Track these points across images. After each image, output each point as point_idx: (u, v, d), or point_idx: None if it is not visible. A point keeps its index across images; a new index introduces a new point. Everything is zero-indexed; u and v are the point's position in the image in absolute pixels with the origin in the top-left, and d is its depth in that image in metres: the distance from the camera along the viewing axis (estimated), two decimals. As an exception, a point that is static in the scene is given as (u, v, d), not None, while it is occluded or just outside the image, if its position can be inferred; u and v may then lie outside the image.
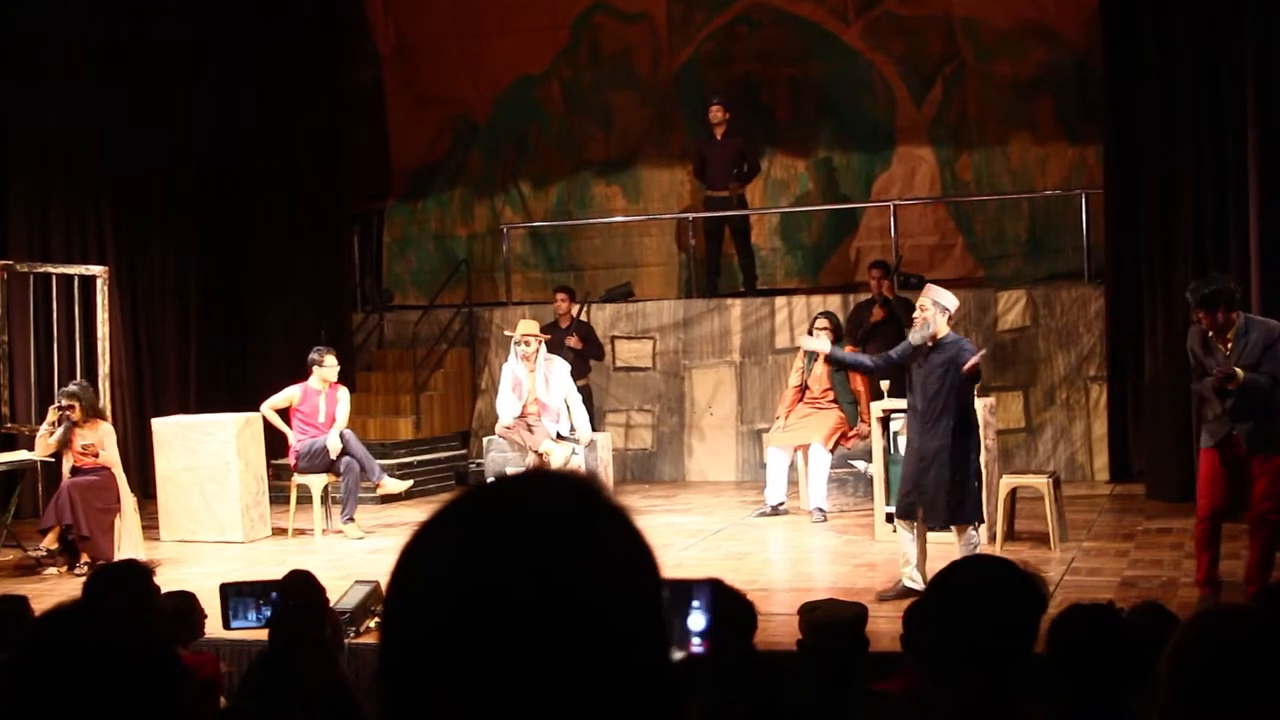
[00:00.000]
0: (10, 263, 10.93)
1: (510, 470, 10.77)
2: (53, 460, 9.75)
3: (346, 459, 10.32)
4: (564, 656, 1.00)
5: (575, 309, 12.47)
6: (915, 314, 7.65)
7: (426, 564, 1.07)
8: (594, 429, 11.33)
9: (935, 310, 7.49)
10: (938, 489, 7.35)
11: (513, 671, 1.00)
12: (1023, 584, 2.50)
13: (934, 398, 7.35)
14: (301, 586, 4.67)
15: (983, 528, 7.82)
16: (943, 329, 7.49)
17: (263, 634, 4.90)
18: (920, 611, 3.80)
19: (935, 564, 8.19)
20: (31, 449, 10.13)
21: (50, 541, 9.26)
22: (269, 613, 4.79)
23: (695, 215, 13.74)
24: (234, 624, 5.15)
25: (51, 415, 9.72)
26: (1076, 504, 10.05)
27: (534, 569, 1.02)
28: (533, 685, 1.00)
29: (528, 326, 10.79)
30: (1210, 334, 7.10)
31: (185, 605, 5.10)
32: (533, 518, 1.06)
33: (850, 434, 10.46)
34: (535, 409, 10.68)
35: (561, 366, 10.84)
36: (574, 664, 1.00)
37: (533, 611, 1.01)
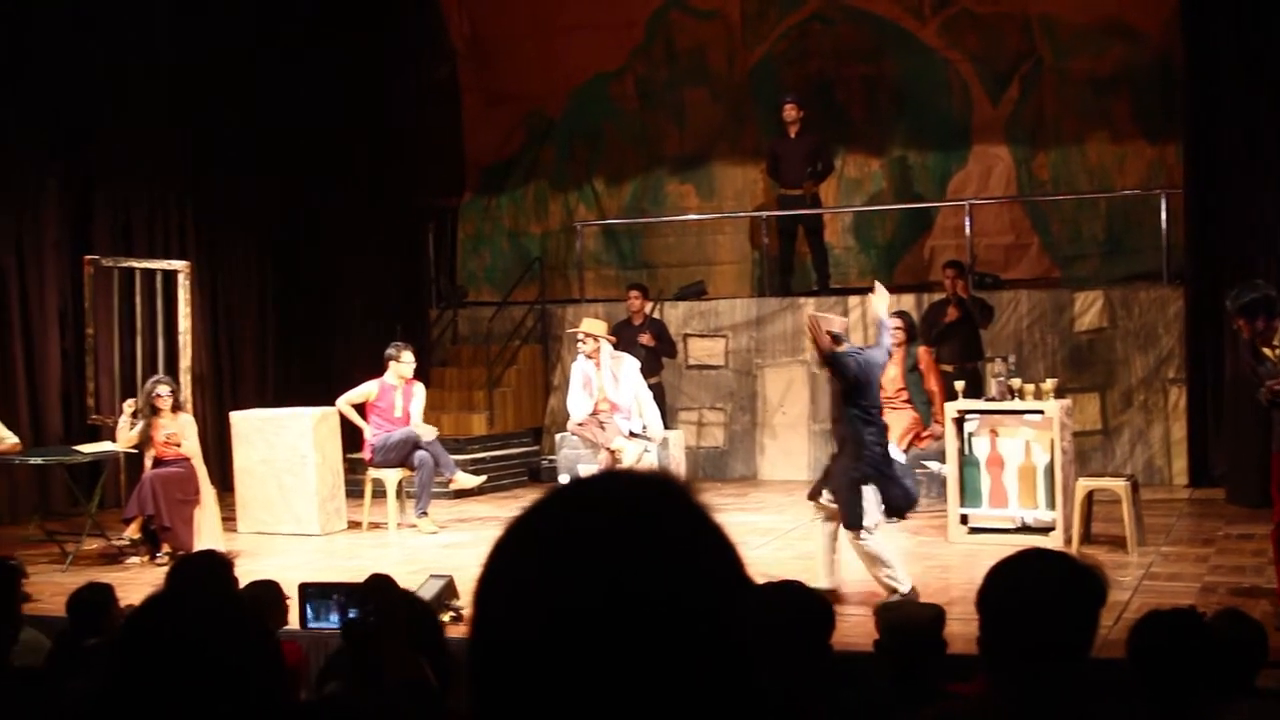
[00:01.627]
0: (96, 258, 11.13)
1: (582, 467, 10.87)
2: (136, 452, 9.93)
3: (421, 453, 10.41)
4: (653, 662, 1.01)
5: (648, 307, 12.50)
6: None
7: (515, 568, 1.07)
8: (666, 427, 11.34)
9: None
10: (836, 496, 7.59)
11: (603, 678, 1.00)
12: (1079, 576, 2.49)
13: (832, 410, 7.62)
14: (382, 590, 4.70)
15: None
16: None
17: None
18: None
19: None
20: (115, 440, 10.33)
21: (133, 531, 9.44)
22: (350, 616, 4.81)
23: (769, 214, 13.72)
24: (312, 624, 5.18)
25: (128, 408, 9.90)
26: (1154, 508, 9.94)
27: (623, 573, 1.02)
28: (622, 691, 1.00)
29: (588, 325, 10.77)
30: (1255, 342, 7.02)
31: (268, 594, 5.18)
32: (622, 521, 1.06)
33: (924, 434, 10.41)
34: (606, 406, 10.71)
35: (631, 364, 10.85)
36: (663, 670, 1.01)
37: (622, 616, 1.01)
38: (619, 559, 1.04)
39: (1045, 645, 2.39)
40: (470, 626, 1.10)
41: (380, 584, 4.74)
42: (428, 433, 10.44)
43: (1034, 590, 2.45)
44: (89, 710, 4.00)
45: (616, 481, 1.12)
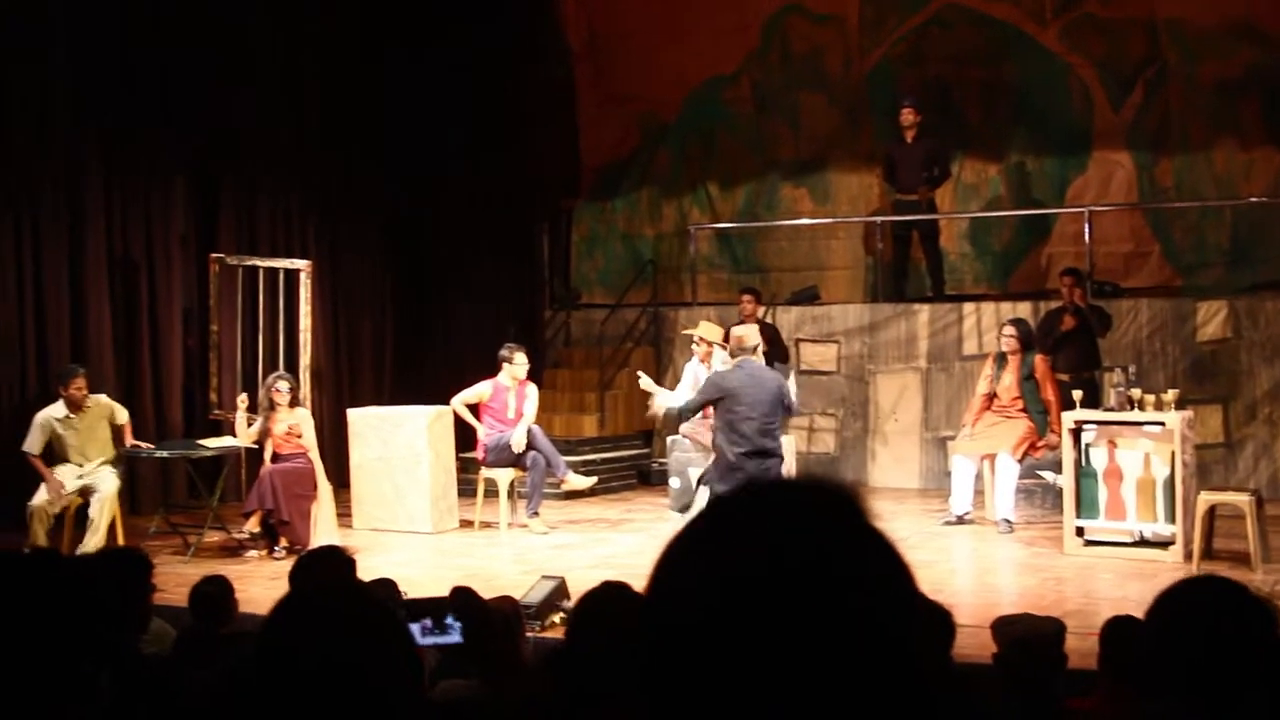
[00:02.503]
0: (221, 256, 11.39)
1: (693, 471, 10.87)
2: (257, 447, 10.14)
3: (533, 454, 10.48)
4: (832, 662, 1.02)
5: (760, 311, 12.48)
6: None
7: (695, 568, 1.08)
8: (777, 431, 11.30)
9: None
10: None
11: (785, 678, 1.02)
12: (1254, 609, 2.43)
13: None
14: (465, 606, 4.66)
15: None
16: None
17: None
18: (1140, 630, 3.72)
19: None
20: (235, 436, 10.56)
21: (253, 525, 9.64)
22: (442, 633, 4.75)
23: (883, 219, 13.61)
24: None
25: (241, 404, 10.11)
26: (1279, 524, 9.70)
27: (804, 580, 1.04)
28: (803, 689, 1.02)
29: (704, 329, 10.80)
30: None
31: (385, 592, 5.26)
32: (800, 525, 1.08)
33: (1039, 444, 10.26)
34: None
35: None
36: (841, 669, 1.02)
37: (803, 617, 1.03)
38: (801, 560, 1.05)
39: (1211, 676, 2.34)
40: (646, 620, 1.11)
41: (464, 598, 4.71)
42: (519, 441, 10.45)
43: (1207, 620, 2.40)
44: (213, 700, 4.10)
45: (792, 487, 1.14)
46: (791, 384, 9.33)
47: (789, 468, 11.15)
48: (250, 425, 9.98)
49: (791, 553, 1.05)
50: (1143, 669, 2.44)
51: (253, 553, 9.63)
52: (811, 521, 1.09)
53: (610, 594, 3.28)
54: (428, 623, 4.51)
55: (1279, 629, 2.41)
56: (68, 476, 9.51)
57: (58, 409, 9.65)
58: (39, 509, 9.36)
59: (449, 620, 4.65)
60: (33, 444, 9.58)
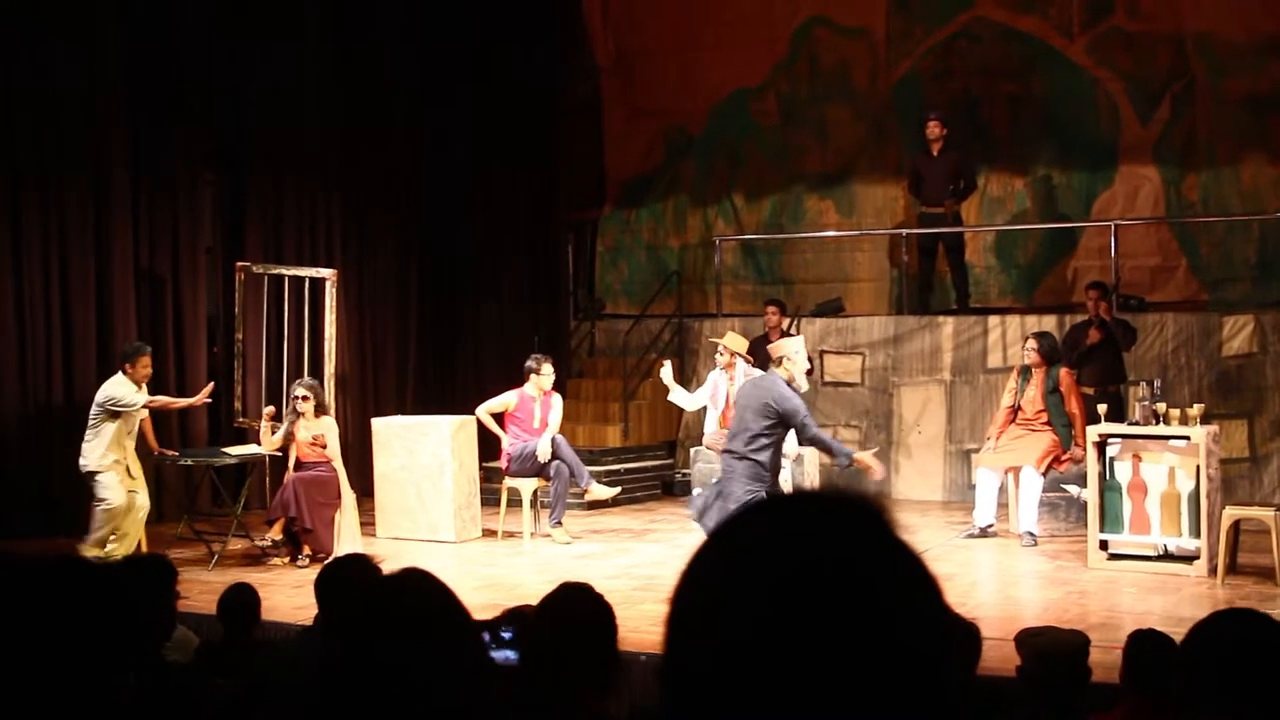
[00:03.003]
0: (247, 264, 11.45)
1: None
2: (281, 454, 10.18)
3: (556, 463, 10.49)
4: (860, 679, 1.02)
5: (785, 322, 12.48)
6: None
7: (721, 583, 1.08)
8: (800, 444, 11.29)
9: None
10: None
11: (813, 694, 1.02)
12: None
13: None
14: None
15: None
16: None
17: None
18: (1163, 645, 3.71)
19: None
20: (260, 444, 10.62)
21: (275, 533, 9.68)
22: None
23: (909, 231, 13.60)
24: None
25: (266, 413, 10.15)
26: (1303, 540, 9.64)
27: (832, 594, 1.03)
28: (831, 704, 1.02)
29: (730, 339, 10.80)
30: None
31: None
32: (827, 538, 1.08)
33: (1064, 457, 10.22)
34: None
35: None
36: (870, 686, 1.02)
37: (831, 632, 1.02)
38: (838, 573, 1.05)
39: (1239, 711, 2.34)
40: (673, 634, 1.10)
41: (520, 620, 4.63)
42: (544, 451, 10.46)
43: (1237, 656, 2.39)
44: (236, 708, 4.12)
45: (817, 493, 1.14)
46: (788, 394, 9.58)
47: (798, 479, 11.11)
48: (274, 434, 10.02)
49: (818, 567, 1.05)
50: (1176, 703, 2.43)
51: (276, 560, 9.66)
52: (838, 535, 1.09)
53: (571, 596, 3.28)
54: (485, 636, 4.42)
55: None
56: (117, 486, 9.46)
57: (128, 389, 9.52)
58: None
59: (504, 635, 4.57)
60: (137, 397, 9.52)
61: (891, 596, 1.06)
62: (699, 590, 1.10)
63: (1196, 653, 2.46)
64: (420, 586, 1.80)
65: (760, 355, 11.24)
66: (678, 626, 1.10)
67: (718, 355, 10.80)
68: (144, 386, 9.62)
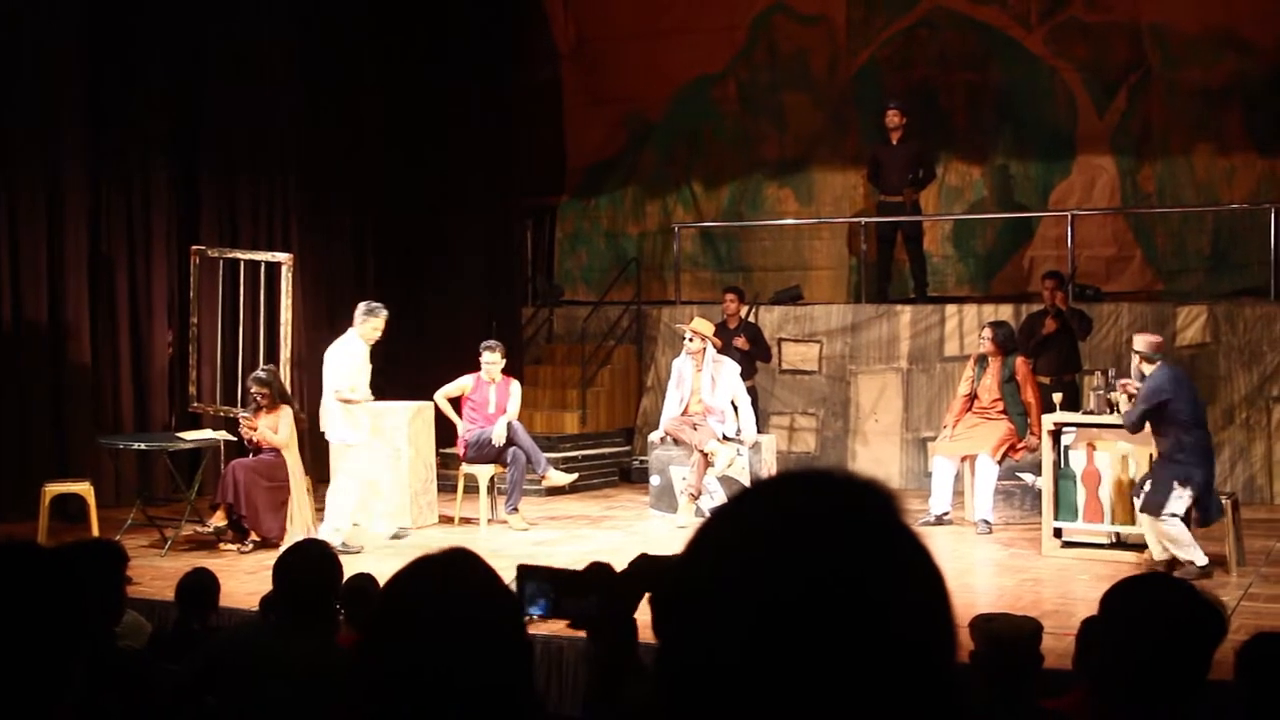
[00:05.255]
0: (202, 248, 11.35)
1: (674, 469, 10.87)
2: (236, 439, 10.10)
3: (513, 449, 10.46)
4: (869, 665, 1.01)
5: (744, 310, 12.49)
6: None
7: (718, 564, 1.05)
8: (758, 431, 11.33)
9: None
10: None
11: (819, 682, 1.00)
12: (1200, 611, 2.44)
13: None
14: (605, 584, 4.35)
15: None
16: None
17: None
18: (1091, 631, 3.73)
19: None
20: (216, 429, 10.53)
21: (219, 519, 9.57)
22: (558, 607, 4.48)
23: (867, 220, 13.63)
24: (529, 610, 4.86)
25: (243, 416, 10.05)
26: (1255, 528, 9.74)
27: (843, 578, 1.02)
28: (836, 694, 1.01)
29: (698, 323, 10.83)
30: None
31: (369, 587, 5.25)
32: (835, 525, 1.05)
33: (1019, 446, 10.28)
34: (700, 409, 10.72)
35: (731, 369, 10.86)
36: (879, 672, 1.01)
37: (842, 621, 1.01)
38: (839, 560, 1.03)
39: (1155, 678, 2.35)
40: (668, 631, 1.08)
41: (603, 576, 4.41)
42: (499, 434, 10.43)
43: (1149, 617, 2.41)
44: (188, 692, 4.09)
45: (820, 483, 1.11)
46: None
47: (756, 468, 11.10)
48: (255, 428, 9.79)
49: (828, 562, 1.03)
50: (1097, 671, 2.45)
51: (230, 547, 9.57)
52: (849, 530, 1.06)
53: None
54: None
55: (1224, 631, 2.42)
56: None
57: None
58: None
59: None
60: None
61: (901, 594, 1.04)
62: (704, 584, 1.06)
63: (1109, 616, 2.48)
64: (465, 568, 1.78)
65: (721, 341, 11.27)
66: (681, 618, 1.07)
67: (687, 341, 10.78)
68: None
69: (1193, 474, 8.21)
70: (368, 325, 9.72)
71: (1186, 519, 8.30)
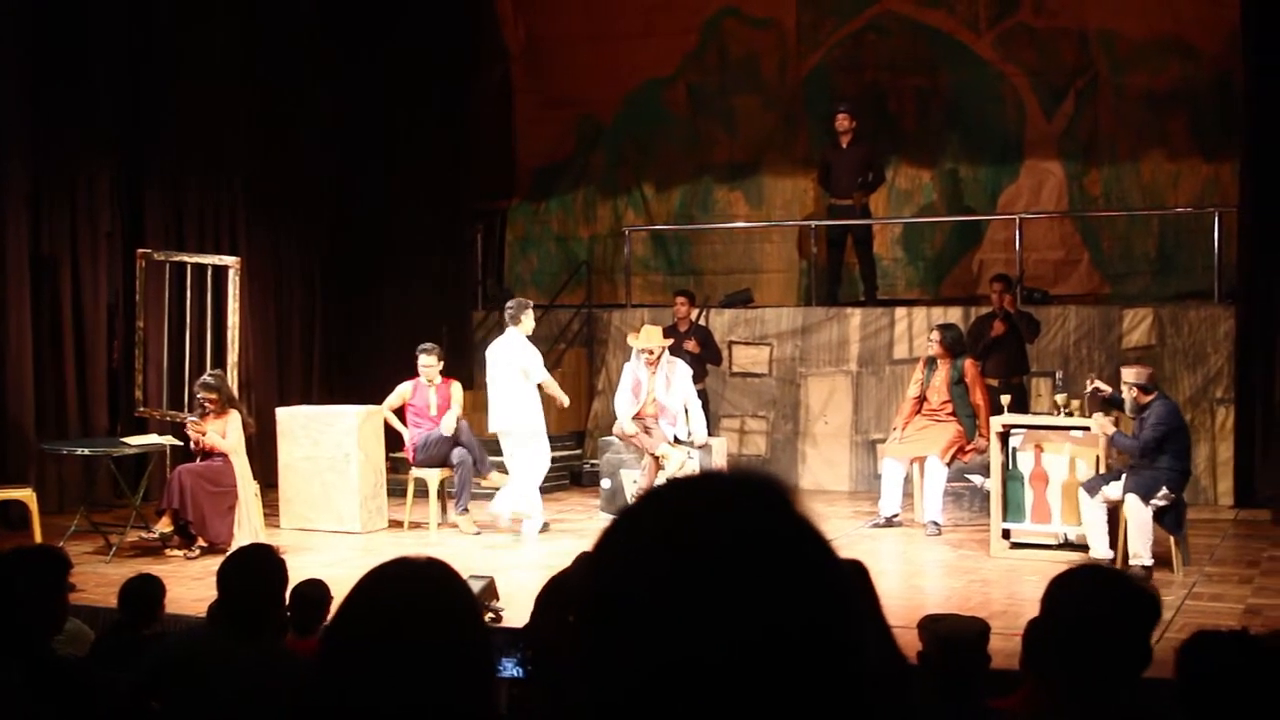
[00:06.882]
0: (148, 251, 11.23)
1: (625, 472, 10.87)
2: (182, 444, 10.00)
3: (460, 450, 10.43)
4: (789, 694, 1.00)
5: (694, 313, 12.50)
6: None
7: (632, 596, 1.03)
8: (708, 433, 11.33)
9: None
10: None
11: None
12: (1134, 596, 2.46)
13: None
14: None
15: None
16: None
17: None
18: (1035, 627, 3.76)
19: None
20: (162, 433, 10.42)
21: (165, 525, 9.46)
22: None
23: (818, 223, 13.68)
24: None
25: (192, 421, 9.94)
26: (1199, 528, 9.85)
27: (753, 598, 1.00)
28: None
29: (650, 338, 10.73)
30: None
31: (316, 593, 5.19)
32: (739, 543, 1.03)
33: (968, 448, 10.34)
34: (653, 410, 10.71)
35: (684, 370, 10.86)
36: (801, 697, 1.00)
37: (763, 652, 0.99)
38: (749, 593, 1.01)
39: (1095, 661, 2.37)
40: (585, 655, 1.06)
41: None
42: (448, 425, 10.45)
43: (1086, 605, 2.43)
44: (131, 700, 4.03)
45: (721, 495, 1.09)
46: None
47: (719, 468, 11.13)
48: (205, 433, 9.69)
49: (721, 547, 1.03)
50: (1036, 659, 2.48)
51: (177, 552, 9.47)
52: (743, 514, 1.06)
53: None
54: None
55: (1159, 617, 2.46)
56: None
57: None
58: None
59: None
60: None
61: (814, 609, 1.03)
62: (601, 575, 1.06)
63: (1048, 609, 2.50)
64: (441, 580, 1.74)
65: (672, 344, 11.26)
66: (590, 615, 1.06)
67: (647, 355, 10.70)
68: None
69: (1176, 487, 8.53)
70: (528, 319, 10.49)
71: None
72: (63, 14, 11.31)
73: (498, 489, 10.87)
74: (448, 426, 10.39)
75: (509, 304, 10.73)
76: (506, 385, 10.36)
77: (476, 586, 7.23)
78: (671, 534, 1.04)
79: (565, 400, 10.77)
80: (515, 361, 10.34)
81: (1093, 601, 2.46)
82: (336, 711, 1.63)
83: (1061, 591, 2.54)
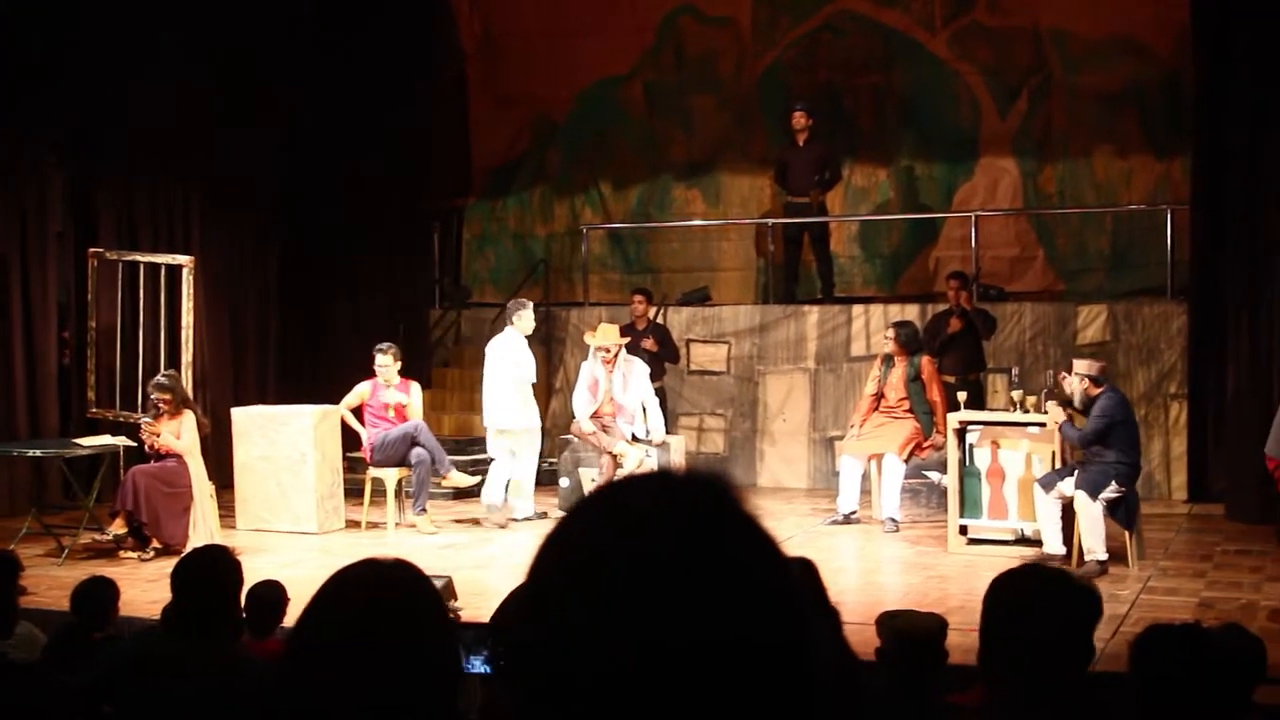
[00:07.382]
0: (100, 250, 11.12)
1: (584, 470, 10.86)
2: (136, 445, 9.91)
3: (418, 450, 10.38)
4: (731, 697, 0.99)
5: (652, 311, 12.49)
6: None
7: (576, 603, 1.01)
8: (667, 431, 11.34)
9: None
10: None
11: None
12: (1075, 594, 2.48)
13: None
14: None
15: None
16: None
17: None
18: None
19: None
20: (114, 434, 10.32)
21: (118, 526, 9.36)
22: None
23: (775, 221, 13.71)
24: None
25: (146, 422, 9.85)
26: (1153, 523, 9.92)
27: (697, 609, 0.99)
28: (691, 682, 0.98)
29: (606, 336, 10.76)
30: None
31: (273, 594, 5.16)
32: (693, 546, 1.02)
33: (925, 444, 10.38)
34: (611, 409, 10.71)
35: (641, 369, 10.87)
36: (743, 703, 0.99)
37: (703, 655, 0.98)
38: (693, 596, 1.00)
39: (1041, 660, 2.39)
40: (513, 658, 1.05)
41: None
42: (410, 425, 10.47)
43: (1029, 605, 2.46)
44: (83, 704, 3.99)
45: (673, 494, 1.08)
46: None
47: (677, 466, 11.15)
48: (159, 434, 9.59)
49: (664, 543, 1.02)
50: (981, 660, 2.50)
51: (132, 555, 9.38)
52: (687, 512, 1.05)
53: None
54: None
55: (1100, 614, 2.49)
56: None
57: None
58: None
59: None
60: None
61: (771, 614, 1.02)
62: (536, 576, 1.05)
63: (991, 608, 2.53)
64: (408, 582, 1.72)
65: (628, 343, 11.26)
66: (526, 613, 1.05)
67: (600, 353, 10.72)
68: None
69: (1126, 481, 8.54)
70: (525, 319, 10.75)
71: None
72: (13, 12, 11.18)
73: (457, 488, 10.84)
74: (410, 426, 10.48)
75: (509, 304, 11.13)
76: (505, 384, 10.50)
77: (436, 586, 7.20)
78: (612, 535, 1.03)
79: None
80: (511, 359, 10.56)
81: (1033, 601, 2.49)
82: (302, 714, 1.61)
83: (1002, 592, 2.57)
